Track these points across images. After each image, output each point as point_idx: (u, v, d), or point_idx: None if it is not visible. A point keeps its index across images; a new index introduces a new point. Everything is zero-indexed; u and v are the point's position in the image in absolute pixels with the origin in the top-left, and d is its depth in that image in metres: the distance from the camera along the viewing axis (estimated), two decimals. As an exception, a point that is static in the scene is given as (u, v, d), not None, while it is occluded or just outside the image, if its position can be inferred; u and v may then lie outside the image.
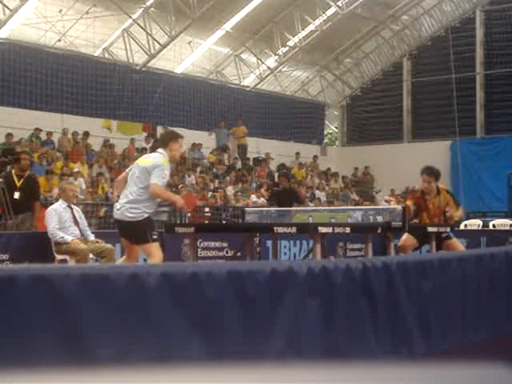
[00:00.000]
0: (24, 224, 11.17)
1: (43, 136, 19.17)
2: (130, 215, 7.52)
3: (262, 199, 19.25)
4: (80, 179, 16.76)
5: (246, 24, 24.35)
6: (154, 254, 7.64)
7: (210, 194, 19.45)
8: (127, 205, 7.54)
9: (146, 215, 7.56)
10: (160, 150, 7.81)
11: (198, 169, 21.45)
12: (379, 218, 8.35)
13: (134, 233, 7.63)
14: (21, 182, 11.32)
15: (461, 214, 9.93)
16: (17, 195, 11.16)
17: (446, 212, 9.34)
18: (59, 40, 21.35)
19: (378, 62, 28.85)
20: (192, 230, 8.78)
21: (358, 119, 29.58)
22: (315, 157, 26.60)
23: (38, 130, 18.88)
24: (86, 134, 19.91)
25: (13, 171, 11.73)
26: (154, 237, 7.67)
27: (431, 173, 9.47)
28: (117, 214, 7.68)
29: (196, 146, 22.99)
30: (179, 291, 3.63)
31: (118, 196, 8.46)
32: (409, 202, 9.29)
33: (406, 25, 27.83)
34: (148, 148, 21.50)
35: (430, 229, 8.92)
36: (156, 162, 7.56)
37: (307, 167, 25.69)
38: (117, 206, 7.76)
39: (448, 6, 27.23)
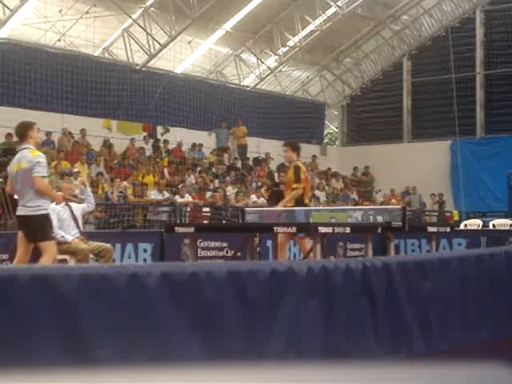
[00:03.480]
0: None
1: (42, 136, 19.14)
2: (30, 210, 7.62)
3: (262, 199, 19.24)
4: (80, 179, 16.74)
5: (246, 24, 24.34)
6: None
7: (209, 194, 19.45)
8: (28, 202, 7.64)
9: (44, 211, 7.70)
10: (23, 145, 7.85)
11: (198, 169, 21.44)
12: (379, 218, 8.35)
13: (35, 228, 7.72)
14: (21, 182, 11.31)
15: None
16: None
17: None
18: (59, 40, 21.34)
19: (378, 61, 28.85)
20: (192, 229, 8.78)
21: (358, 119, 29.57)
22: (314, 156, 26.60)
23: (36, 130, 18.83)
24: (83, 131, 19.87)
25: (13, 171, 11.69)
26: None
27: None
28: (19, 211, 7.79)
29: (196, 146, 23.00)
30: (179, 291, 3.63)
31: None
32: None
33: (406, 25, 27.82)
34: (147, 148, 21.54)
35: (430, 229, 8.93)
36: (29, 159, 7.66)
37: (307, 167, 25.67)
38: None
39: (448, 5, 27.22)
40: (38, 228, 7.68)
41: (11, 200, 11.08)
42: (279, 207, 9.49)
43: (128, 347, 3.36)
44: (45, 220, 7.73)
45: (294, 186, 9.32)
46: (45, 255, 7.71)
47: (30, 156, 7.66)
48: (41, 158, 7.73)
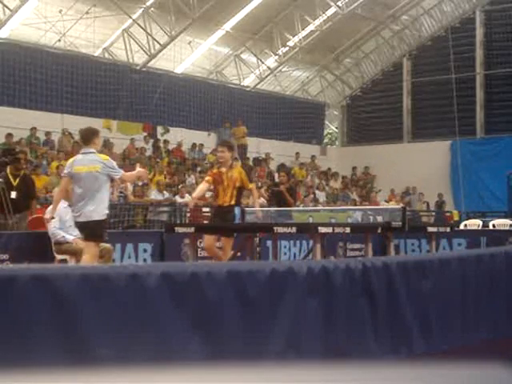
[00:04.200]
0: (21, 223, 11.15)
1: (41, 136, 19.16)
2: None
3: (262, 199, 19.22)
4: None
5: (246, 24, 24.34)
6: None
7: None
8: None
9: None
10: (87, 149, 8.16)
11: (198, 169, 21.44)
12: (379, 218, 8.35)
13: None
14: (17, 181, 11.29)
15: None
16: (13, 195, 11.11)
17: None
18: (59, 40, 21.34)
19: (378, 61, 28.84)
20: (192, 230, 8.78)
21: (358, 119, 29.56)
22: (313, 157, 26.60)
23: (34, 129, 18.86)
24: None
25: (8, 171, 11.61)
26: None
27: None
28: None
29: (196, 146, 22.99)
30: (179, 291, 3.63)
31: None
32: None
33: (405, 25, 27.82)
34: (147, 148, 21.53)
35: (430, 229, 8.93)
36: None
37: (307, 167, 25.70)
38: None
39: (448, 6, 27.22)
40: (98, 229, 8.11)
41: (13, 200, 11.04)
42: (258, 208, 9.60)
43: (128, 347, 3.36)
44: (105, 223, 8.28)
45: (251, 186, 9.84)
46: (87, 254, 8.08)
47: (101, 160, 8.11)
48: (111, 160, 8.33)
